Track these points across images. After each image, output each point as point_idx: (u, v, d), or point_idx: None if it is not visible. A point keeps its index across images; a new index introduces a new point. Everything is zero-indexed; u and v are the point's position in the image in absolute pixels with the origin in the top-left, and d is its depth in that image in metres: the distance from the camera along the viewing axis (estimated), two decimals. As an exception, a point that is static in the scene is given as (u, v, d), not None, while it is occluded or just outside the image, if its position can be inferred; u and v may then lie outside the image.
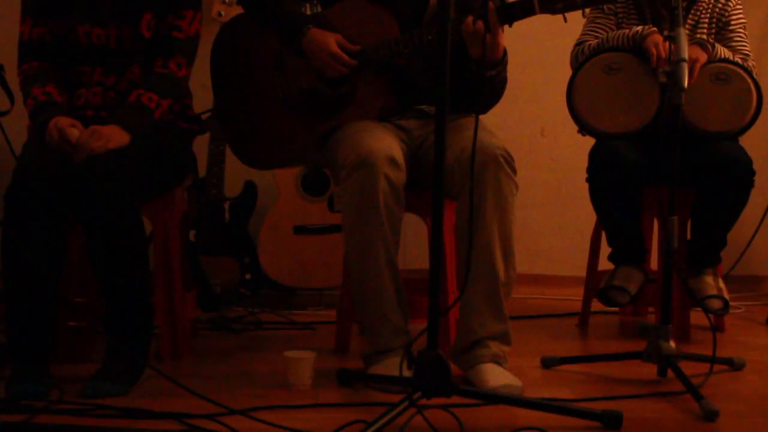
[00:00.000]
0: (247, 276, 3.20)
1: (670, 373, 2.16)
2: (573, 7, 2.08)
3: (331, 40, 2.31)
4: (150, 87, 2.31)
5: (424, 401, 1.84)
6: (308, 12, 2.87)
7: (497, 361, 2.18)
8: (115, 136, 2.20)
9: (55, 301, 2.17)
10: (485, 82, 2.25)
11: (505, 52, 2.25)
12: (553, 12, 2.10)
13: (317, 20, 2.39)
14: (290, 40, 2.38)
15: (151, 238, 2.48)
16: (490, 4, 2.12)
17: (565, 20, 2.12)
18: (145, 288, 2.24)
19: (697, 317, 2.72)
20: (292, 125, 2.43)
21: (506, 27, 2.19)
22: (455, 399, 1.88)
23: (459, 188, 2.18)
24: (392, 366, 2.11)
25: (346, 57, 2.31)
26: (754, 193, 2.61)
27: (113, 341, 2.20)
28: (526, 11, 2.13)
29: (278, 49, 2.44)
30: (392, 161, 2.19)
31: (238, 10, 3.06)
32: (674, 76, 2.09)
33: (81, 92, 2.36)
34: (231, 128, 2.56)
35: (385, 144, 2.22)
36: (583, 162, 2.69)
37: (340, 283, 2.64)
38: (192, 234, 3.09)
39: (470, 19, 2.15)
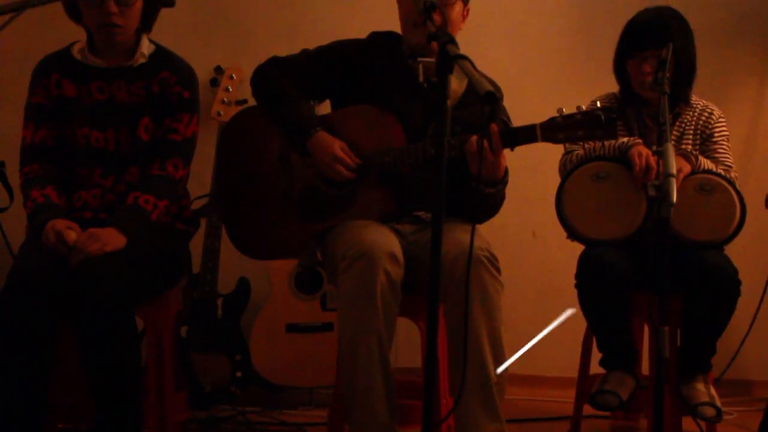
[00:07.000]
0: (238, 374, 3.17)
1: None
2: (573, 140, 2.15)
3: (336, 146, 2.36)
4: (147, 189, 2.34)
5: None
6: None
7: (494, 465, 2.15)
8: (112, 239, 2.22)
9: (44, 406, 2.14)
10: (484, 198, 2.29)
11: (506, 172, 2.30)
12: (554, 141, 2.16)
13: (325, 123, 2.44)
14: (297, 138, 2.42)
15: (142, 336, 2.47)
16: (493, 126, 2.18)
17: (565, 149, 2.18)
18: (136, 392, 2.21)
19: (689, 424, 2.70)
20: (290, 220, 2.45)
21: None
22: None
23: (443, 290, 2.17)
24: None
25: (349, 162, 2.35)
26: (743, 298, 2.63)
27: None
28: (528, 138, 2.18)
29: (284, 145, 2.48)
30: (392, 257, 2.21)
31: (237, 110, 3.14)
32: (663, 191, 2.14)
33: (80, 194, 2.39)
34: (229, 213, 2.57)
35: (386, 239, 2.25)
36: (575, 264, 2.72)
37: (332, 382, 2.62)
38: (183, 330, 3.08)
39: (474, 138, 2.20)
